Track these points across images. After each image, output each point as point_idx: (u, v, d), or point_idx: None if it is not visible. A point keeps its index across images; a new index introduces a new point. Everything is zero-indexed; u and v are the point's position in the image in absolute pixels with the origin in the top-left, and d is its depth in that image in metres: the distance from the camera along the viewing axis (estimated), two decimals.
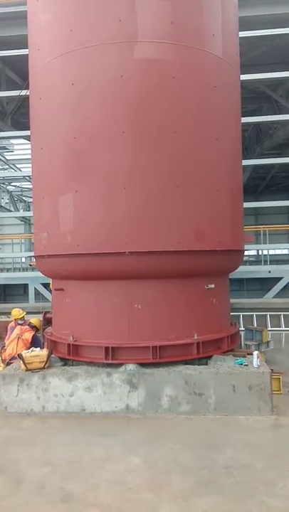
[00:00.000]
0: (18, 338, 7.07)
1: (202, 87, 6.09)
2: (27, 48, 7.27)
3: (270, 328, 11.09)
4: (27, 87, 8.63)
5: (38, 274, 8.65)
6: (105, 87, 5.83)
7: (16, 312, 7.66)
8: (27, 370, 5.82)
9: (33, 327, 7.45)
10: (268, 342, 8.02)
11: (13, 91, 13.71)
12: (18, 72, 14.09)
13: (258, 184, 24.39)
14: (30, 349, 6.20)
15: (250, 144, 18.78)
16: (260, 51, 13.07)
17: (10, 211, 25.50)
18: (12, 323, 7.77)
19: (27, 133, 14.09)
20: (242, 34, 8.55)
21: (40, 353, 5.96)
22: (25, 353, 5.94)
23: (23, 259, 21.69)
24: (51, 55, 6.24)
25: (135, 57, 5.78)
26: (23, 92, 11.95)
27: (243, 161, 7.77)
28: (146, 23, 5.83)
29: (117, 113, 5.81)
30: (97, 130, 5.87)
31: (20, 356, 5.94)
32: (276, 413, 5.49)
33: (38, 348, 6.29)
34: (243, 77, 9.90)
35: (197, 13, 6.15)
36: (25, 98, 11.86)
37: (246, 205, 9.31)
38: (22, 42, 10.70)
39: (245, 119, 11.00)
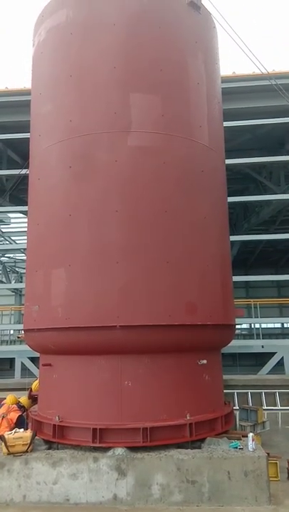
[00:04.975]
0: (3, 417, 6.70)
1: (190, 172, 6.56)
2: (27, 132, 7.90)
3: (265, 407, 10.66)
4: (27, 167, 9.17)
5: (26, 347, 8.44)
6: (100, 171, 6.22)
7: (9, 401, 7.21)
8: (9, 453, 5.45)
9: (21, 407, 7.09)
10: (263, 422, 7.69)
11: (14, 170, 14.56)
12: (18, 152, 15.14)
13: (248, 258, 24.98)
14: (14, 430, 5.86)
15: (238, 221, 19.58)
16: (244, 138, 14.27)
17: (2, 282, 25.52)
18: None
19: (24, 208, 14.73)
20: (227, 124, 9.40)
21: (24, 435, 5.62)
22: (7, 435, 5.60)
23: (11, 332, 21.21)
24: (51, 140, 6.74)
25: (129, 145, 6.27)
26: (23, 171, 12.65)
27: (231, 236, 8.08)
28: (139, 115, 6.41)
29: (111, 194, 6.14)
30: (92, 209, 6.15)
31: (2, 438, 5.59)
32: (274, 502, 5.11)
33: (22, 429, 5.95)
34: (229, 161, 10.68)
35: (185, 107, 6.80)
36: (24, 176, 12.54)
37: (236, 278, 9.49)
38: (22, 126, 11.69)
39: (231, 199, 11.63)
